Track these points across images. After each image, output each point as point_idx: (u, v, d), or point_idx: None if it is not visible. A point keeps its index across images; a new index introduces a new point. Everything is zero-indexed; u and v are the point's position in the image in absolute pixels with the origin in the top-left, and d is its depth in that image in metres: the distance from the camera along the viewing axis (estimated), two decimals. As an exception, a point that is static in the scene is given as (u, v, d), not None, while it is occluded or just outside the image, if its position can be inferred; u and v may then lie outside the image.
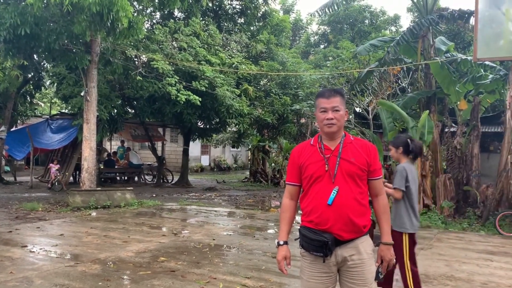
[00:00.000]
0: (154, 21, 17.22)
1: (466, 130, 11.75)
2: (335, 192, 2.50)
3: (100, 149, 16.16)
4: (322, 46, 30.51)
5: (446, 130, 12.64)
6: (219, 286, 5.01)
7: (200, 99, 13.71)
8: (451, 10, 11.92)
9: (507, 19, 8.75)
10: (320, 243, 2.48)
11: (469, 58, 11.62)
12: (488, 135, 13.08)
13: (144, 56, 13.69)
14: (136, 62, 14.33)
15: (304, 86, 17.19)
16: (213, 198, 14.55)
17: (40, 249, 6.72)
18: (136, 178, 19.64)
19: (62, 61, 11.70)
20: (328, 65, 16.42)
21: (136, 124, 19.22)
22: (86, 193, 11.34)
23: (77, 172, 18.05)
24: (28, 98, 18.44)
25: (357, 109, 16.36)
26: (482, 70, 11.82)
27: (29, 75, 16.70)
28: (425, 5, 12.33)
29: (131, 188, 12.96)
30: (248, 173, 24.53)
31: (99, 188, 12.31)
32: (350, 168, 2.54)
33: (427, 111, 11.16)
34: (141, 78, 12.94)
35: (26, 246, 6.90)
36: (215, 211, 11.60)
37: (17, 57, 12.04)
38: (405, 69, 13.49)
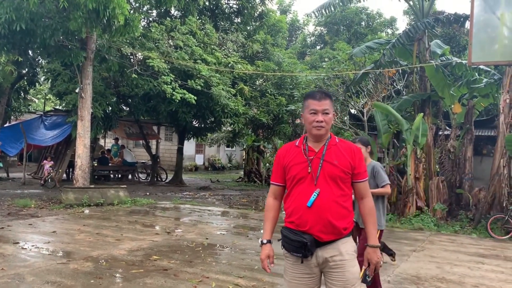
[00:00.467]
0: (151, 19, 17.16)
1: (460, 133, 11.82)
2: (316, 194, 2.50)
3: (94, 146, 16.08)
4: (318, 47, 30.52)
5: (440, 133, 12.72)
6: (211, 285, 5.01)
7: (196, 98, 13.68)
8: (447, 14, 11.98)
9: (502, 23, 8.81)
10: (299, 243, 2.49)
11: (464, 61, 11.68)
12: (481, 138, 13.17)
13: (140, 54, 13.64)
14: (132, 60, 14.29)
15: (299, 87, 17.19)
16: (207, 198, 14.54)
17: (32, 246, 6.69)
18: (129, 176, 19.58)
19: (57, 57, 11.65)
20: (324, 66, 16.42)
21: (131, 122, 19.17)
22: (79, 191, 11.29)
23: (71, 169, 17.98)
24: (22, 94, 18.33)
25: (352, 111, 16.39)
26: (476, 74, 11.90)
27: (24, 71, 16.60)
28: (421, 9, 12.39)
29: (125, 186, 12.92)
30: (242, 172, 24.54)
31: (92, 186, 12.26)
32: (332, 171, 2.54)
33: (422, 114, 11.22)
34: (136, 76, 12.90)
35: (18, 243, 6.86)
36: (209, 210, 11.59)
37: (12, 53, 11.98)
38: (400, 71, 13.53)
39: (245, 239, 7.94)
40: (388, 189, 4.49)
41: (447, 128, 12.72)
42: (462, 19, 11.44)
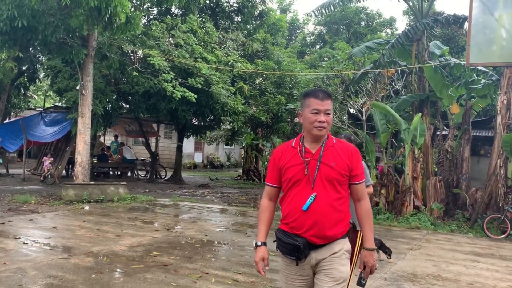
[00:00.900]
0: (151, 16, 17.21)
1: (458, 134, 11.91)
2: (312, 198, 2.45)
3: (93, 143, 16.14)
4: (318, 46, 30.58)
5: (438, 133, 12.82)
6: (211, 281, 5.09)
7: (196, 96, 13.75)
8: (446, 14, 12.09)
9: (499, 25, 8.90)
10: (292, 246, 2.45)
11: (462, 62, 11.77)
12: (479, 139, 13.27)
13: (140, 51, 13.70)
14: (132, 58, 14.35)
15: (299, 86, 17.26)
16: (205, 195, 14.62)
17: (33, 241, 6.76)
18: (129, 173, 19.65)
19: (58, 54, 11.70)
20: (323, 65, 16.49)
21: (131, 119, 19.22)
22: (79, 187, 11.36)
23: (70, 166, 18.06)
24: (22, 91, 18.37)
25: (351, 110, 16.48)
26: (474, 75, 11.98)
27: (24, 68, 16.65)
28: (420, 9, 12.47)
29: (125, 183, 12.99)
30: (241, 171, 24.60)
31: (92, 182, 12.33)
32: (330, 173, 2.48)
33: (420, 114, 11.31)
34: (137, 74, 12.96)
35: (19, 238, 6.93)
36: (208, 207, 11.67)
37: (13, 49, 12.02)
38: (399, 71, 13.62)
39: (244, 236, 8.02)
40: (371, 190, 4.39)
41: (445, 128, 12.81)
42: (461, 20, 11.53)
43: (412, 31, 11.70)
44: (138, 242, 6.93)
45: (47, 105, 23.51)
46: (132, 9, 11.35)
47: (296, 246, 2.44)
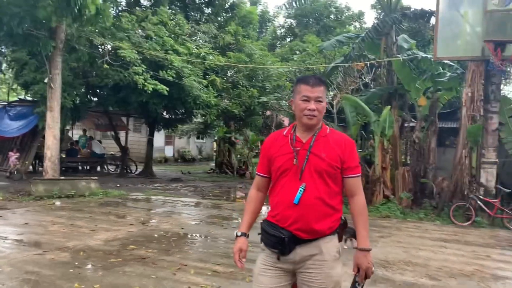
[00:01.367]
0: (120, 8, 16.89)
1: (425, 125, 12.31)
2: (302, 190, 2.31)
3: (62, 137, 15.76)
4: (288, 39, 30.78)
5: (406, 125, 13.21)
6: (190, 273, 5.13)
7: (168, 89, 13.63)
8: (413, 9, 12.41)
9: (465, 21, 9.25)
10: (276, 239, 2.31)
11: (429, 56, 12.14)
12: (445, 130, 13.75)
13: (110, 44, 13.44)
14: (101, 50, 14.07)
15: (271, 79, 17.38)
16: (178, 189, 14.57)
17: (5, 237, 6.61)
18: (98, 168, 19.31)
19: (24, 47, 11.35)
20: (295, 59, 16.66)
21: (100, 113, 18.87)
22: (49, 182, 11.12)
23: (37, 161, 17.59)
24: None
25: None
26: (440, 68, 12.39)
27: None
28: (389, 3, 12.77)
29: (96, 177, 12.81)
30: (213, 164, 24.59)
31: (62, 178, 12.10)
32: (319, 164, 2.33)
33: (389, 107, 11.62)
34: (107, 66, 12.72)
35: (-11, 235, 6.77)
36: (182, 201, 11.65)
37: (-24, 41, 11.59)
38: (368, 65, 13.93)
39: (220, 228, 8.08)
40: None
41: (413, 120, 13.22)
42: (428, 14, 11.89)
43: (381, 25, 11.99)
44: (114, 237, 6.88)
45: (11, 99, 22.71)
46: (101, 1, 11.10)
47: (281, 239, 2.30)
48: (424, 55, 12.45)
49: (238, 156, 21.30)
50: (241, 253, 2.46)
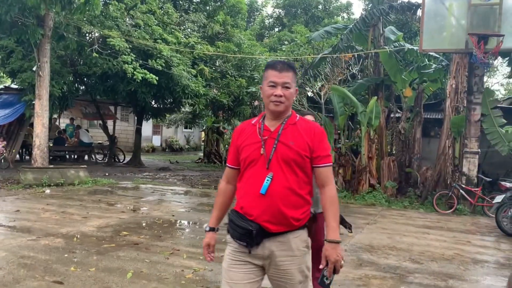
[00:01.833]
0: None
1: (410, 116, 12.59)
2: (269, 179, 2.22)
3: (49, 126, 15.69)
4: (276, 29, 30.83)
5: (392, 115, 13.48)
6: (183, 257, 5.29)
7: (157, 78, 13.64)
8: (401, 1, 12.58)
9: (450, 13, 9.46)
10: (244, 230, 2.22)
11: (415, 48, 12.38)
12: (429, 121, 14.05)
13: (98, 32, 13.37)
14: (89, 38, 13.99)
15: (260, 69, 17.46)
16: (167, 178, 14.66)
17: (-3, 224, 6.68)
18: (86, 157, 19.27)
19: (12, 34, 11.26)
20: (284, 49, 16.77)
21: (87, 102, 18.78)
22: (38, 171, 11.13)
23: (23, 150, 17.48)
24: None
25: (309, 94, 16.90)
26: (426, 60, 12.65)
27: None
28: (376, -5, 12.92)
29: (85, 166, 12.84)
30: (201, 154, 24.68)
31: (51, 166, 12.09)
32: (287, 153, 2.24)
33: (375, 97, 11.84)
34: (97, 55, 12.68)
35: (-19, 221, 6.82)
36: (171, 189, 11.77)
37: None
38: (356, 56, 14.11)
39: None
40: None
41: (398, 111, 13.49)
42: (414, 7, 12.06)
43: (369, 16, 12.15)
44: (106, 223, 7.00)
45: (-4, 87, 22.39)
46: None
47: (249, 231, 2.20)
48: (411, 46, 12.69)
49: (226, 145, 21.42)
50: (209, 248, 2.43)
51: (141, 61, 13.61)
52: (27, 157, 17.46)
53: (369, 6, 17.90)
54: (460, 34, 9.47)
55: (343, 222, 6.68)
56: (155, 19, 14.92)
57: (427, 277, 5.04)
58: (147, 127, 27.22)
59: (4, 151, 15.06)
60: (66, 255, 5.15)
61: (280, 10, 31.29)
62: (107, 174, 14.45)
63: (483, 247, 6.78)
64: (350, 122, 15.21)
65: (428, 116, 13.89)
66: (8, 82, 21.64)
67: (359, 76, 14.79)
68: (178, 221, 7.56)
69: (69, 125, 19.83)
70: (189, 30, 17.05)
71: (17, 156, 16.74)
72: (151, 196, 10.47)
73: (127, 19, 14.47)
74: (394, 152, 13.39)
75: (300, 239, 2.28)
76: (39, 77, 11.34)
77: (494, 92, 12.91)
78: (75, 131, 19.19)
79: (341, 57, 13.77)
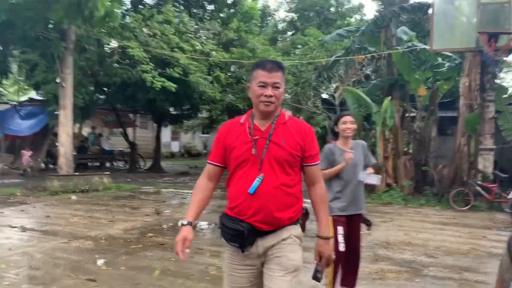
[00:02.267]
0: (124, 7, 17.26)
1: (425, 115, 12.65)
2: (259, 180, 2.22)
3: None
4: (289, 33, 31.06)
5: (407, 115, 13.54)
6: (206, 255, 5.58)
7: (175, 86, 14.04)
8: (412, 2, 12.72)
9: (459, 13, 9.60)
10: (235, 232, 2.23)
11: (428, 47, 12.45)
12: (445, 119, 14.05)
13: (119, 43, 13.85)
14: (107, 49, 14.47)
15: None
16: (187, 182, 15.01)
17: (31, 229, 7.09)
18: (108, 164, 19.80)
19: (37, 49, 11.79)
20: (297, 53, 17.01)
21: (107, 110, 19.32)
22: (64, 178, 11.60)
23: (48, 158, 18.08)
24: (-5, 84, 18.15)
25: (324, 96, 17.11)
26: (439, 59, 12.71)
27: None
28: (388, -3, 13.08)
29: (108, 172, 13.28)
30: (218, 158, 24.89)
31: (77, 173, 12.56)
32: (279, 153, 2.25)
33: (390, 98, 11.96)
34: (117, 66, 13.16)
35: (15, 226, 7.22)
36: (191, 193, 12.06)
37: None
38: (369, 57, 14.26)
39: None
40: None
41: (413, 110, 13.56)
42: (425, 7, 12.18)
43: (381, 18, 12.33)
44: (132, 226, 7.34)
45: (21, 99, 23.18)
46: (109, 3, 11.50)
47: (240, 232, 2.21)
48: (423, 46, 12.78)
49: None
50: (186, 242, 2.28)
51: (159, 70, 14.03)
52: (51, 166, 18.04)
53: (382, 7, 18.02)
54: (470, 32, 9.59)
55: (364, 220, 6.90)
56: (171, 28, 15.35)
57: (441, 270, 5.22)
58: (166, 133, 27.70)
59: (31, 160, 15.65)
60: (96, 256, 5.50)
61: (293, 14, 31.53)
62: (129, 180, 14.88)
63: (499, 241, 6.87)
64: (365, 123, 15.34)
65: (444, 115, 13.90)
66: (32, 94, 22.35)
67: (373, 77, 14.93)
68: (200, 223, 7.86)
69: (91, 133, 20.45)
70: (204, 38, 17.45)
71: (42, 164, 17.34)
72: (173, 199, 10.82)
73: (145, 29, 14.93)
74: (410, 151, 13.47)
75: (291, 231, 2.29)
76: (63, 88, 11.83)
77: (507, 89, 12.89)
78: (96, 139, 19.77)
79: (355, 58, 13.95)
